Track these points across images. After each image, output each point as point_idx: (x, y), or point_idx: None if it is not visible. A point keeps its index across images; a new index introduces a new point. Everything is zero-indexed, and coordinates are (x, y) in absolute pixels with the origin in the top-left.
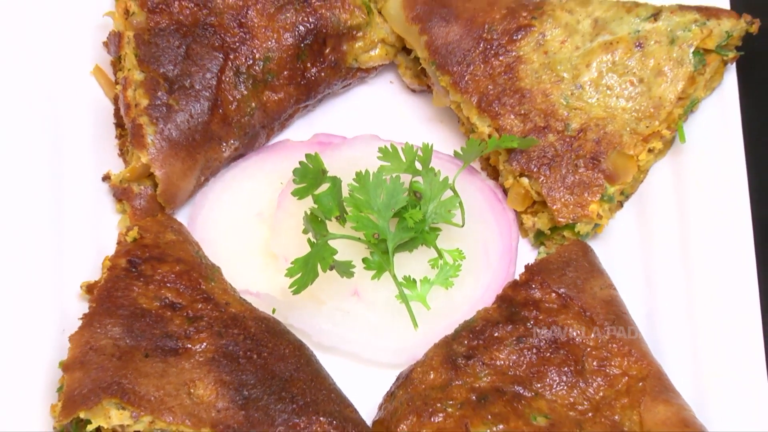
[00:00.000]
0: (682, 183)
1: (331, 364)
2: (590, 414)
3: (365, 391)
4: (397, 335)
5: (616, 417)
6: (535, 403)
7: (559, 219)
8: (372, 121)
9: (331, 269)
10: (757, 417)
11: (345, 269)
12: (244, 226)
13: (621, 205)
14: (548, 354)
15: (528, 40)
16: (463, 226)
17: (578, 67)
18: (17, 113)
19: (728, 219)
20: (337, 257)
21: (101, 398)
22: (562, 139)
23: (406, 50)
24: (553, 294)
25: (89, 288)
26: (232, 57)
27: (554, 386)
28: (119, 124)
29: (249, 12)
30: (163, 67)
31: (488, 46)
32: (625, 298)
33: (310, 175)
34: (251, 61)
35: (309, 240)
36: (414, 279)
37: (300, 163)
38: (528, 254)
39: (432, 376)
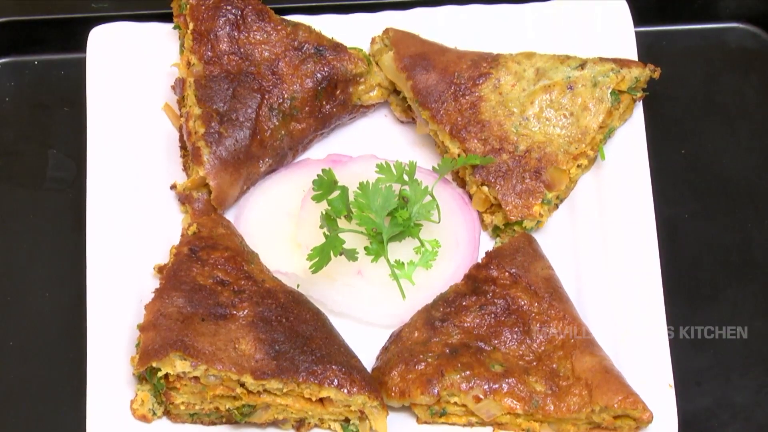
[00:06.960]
0: (602, 190)
1: (341, 326)
2: (534, 363)
3: (366, 346)
4: (390, 304)
5: (554, 365)
6: (493, 355)
7: (511, 217)
8: (371, 144)
9: (340, 254)
10: (656, 365)
11: (351, 255)
12: (276, 222)
13: (557, 206)
14: (503, 318)
15: (487, 84)
16: (439, 222)
17: (525, 104)
18: (111, 139)
19: (636, 217)
20: (345, 246)
21: (169, 352)
22: (513, 158)
23: (397, 92)
24: (507, 273)
25: (160, 269)
26: (267, 97)
27: (507, 342)
28: (183, 147)
29: (280, 63)
30: (216, 104)
31: (457, 89)
32: (560, 277)
33: (325, 184)
34: (281, 100)
35: (324, 233)
36: (402, 262)
37: (317, 175)
38: (488, 243)
39: (416, 335)
